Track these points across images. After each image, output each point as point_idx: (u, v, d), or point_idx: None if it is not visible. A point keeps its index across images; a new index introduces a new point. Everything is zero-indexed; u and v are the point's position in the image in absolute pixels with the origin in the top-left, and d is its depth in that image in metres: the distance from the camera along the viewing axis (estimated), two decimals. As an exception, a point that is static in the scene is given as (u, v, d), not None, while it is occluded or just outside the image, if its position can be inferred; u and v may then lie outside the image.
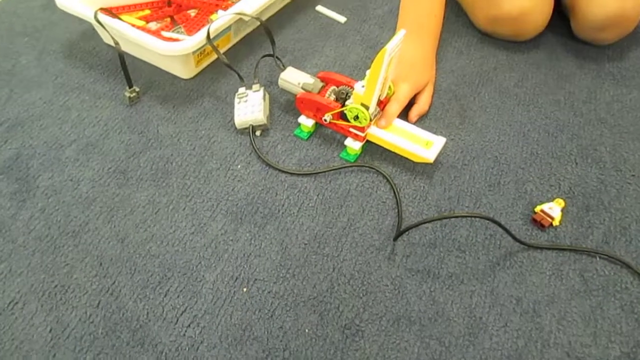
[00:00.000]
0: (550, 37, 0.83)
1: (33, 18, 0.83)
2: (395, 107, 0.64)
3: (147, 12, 0.81)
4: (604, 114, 0.73)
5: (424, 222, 0.53)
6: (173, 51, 0.64)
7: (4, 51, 0.77)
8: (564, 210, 0.61)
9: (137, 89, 0.70)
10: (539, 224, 0.59)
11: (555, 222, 0.59)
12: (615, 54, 0.82)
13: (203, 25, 0.79)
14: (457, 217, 0.58)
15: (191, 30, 0.78)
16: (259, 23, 0.72)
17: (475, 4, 0.81)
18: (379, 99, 0.63)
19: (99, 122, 0.67)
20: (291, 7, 0.86)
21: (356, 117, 0.61)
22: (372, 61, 0.60)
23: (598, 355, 0.50)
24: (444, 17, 0.75)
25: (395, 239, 0.56)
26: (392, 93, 0.65)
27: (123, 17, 0.77)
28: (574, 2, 0.80)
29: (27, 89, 0.72)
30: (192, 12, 0.82)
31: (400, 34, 0.56)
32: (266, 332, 0.50)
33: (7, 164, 0.63)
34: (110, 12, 0.72)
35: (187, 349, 0.49)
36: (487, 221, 0.58)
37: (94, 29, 0.79)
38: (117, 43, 0.67)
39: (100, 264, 0.54)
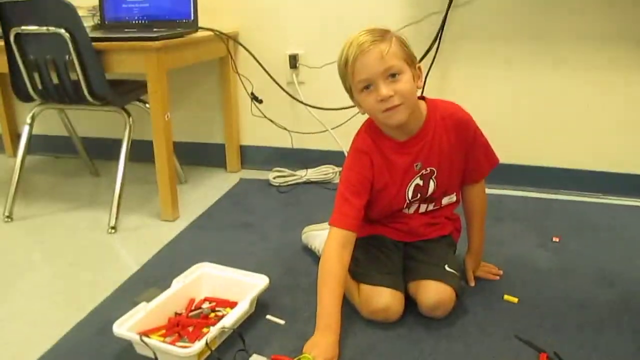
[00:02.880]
0: (410, 317, 1.37)
1: (90, 341, 1.33)
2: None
3: (164, 331, 1.33)
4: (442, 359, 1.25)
5: None
6: (190, 352, 1.15)
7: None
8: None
9: (164, 380, 1.17)
10: None
11: None
12: (447, 322, 1.36)
13: (198, 336, 1.30)
14: None
15: (192, 339, 1.29)
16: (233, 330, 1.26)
17: (359, 304, 1.38)
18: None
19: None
20: (251, 317, 1.40)
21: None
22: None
23: None
24: (343, 313, 1.29)
25: None
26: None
27: (151, 335, 1.28)
28: (415, 296, 1.38)
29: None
30: (190, 328, 1.35)
31: None
32: None
33: None
34: (145, 333, 1.24)
35: None
36: None
37: (130, 344, 1.28)
38: (155, 354, 1.17)
39: None
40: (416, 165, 1.37)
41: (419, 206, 1.45)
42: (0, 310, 1.50)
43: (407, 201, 1.41)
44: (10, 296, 1.58)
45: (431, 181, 1.40)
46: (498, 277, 1.58)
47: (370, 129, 1.38)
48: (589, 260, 1.68)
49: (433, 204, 1.46)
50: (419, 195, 1.41)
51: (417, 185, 1.39)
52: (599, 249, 1.75)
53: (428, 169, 1.38)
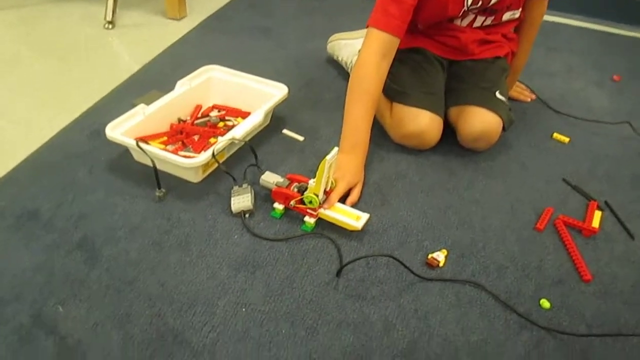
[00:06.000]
0: (444, 145, 1.20)
1: (82, 145, 1.17)
2: (334, 197, 0.99)
3: (165, 138, 1.16)
4: (479, 196, 1.09)
5: (358, 259, 0.88)
6: (195, 163, 0.99)
7: (65, 169, 1.10)
8: (447, 257, 0.94)
9: (164, 190, 1.03)
10: (430, 265, 0.92)
11: (441, 264, 0.93)
12: (487, 156, 1.20)
13: (204, 146, 1.14)
14: (374, 256, 0.92)
15: (197, 149, 1.13)
16: (244, 143, 1.08)
17: (390, 125, 1.20)
18: (325, 190, 0.97)
19: (138, 213, 1.00)
20: (265, 130, 1.23)
21: (310, 202, 0.95)
22: (318, 166, 0.95)
23: (463, 340, 0.82)
24: (371, 134, 1.12)
25: (337, 275, 0.89)
26: (334, 186, 1.00)
27: (151, 142, 1.11)
28: (455, 123, 1.19)
29: (85, 194, 1.04)
30: (196, 137, 1.18)
31: (334, 151, 0.93)
32: (258, 334, 0.80)
33: (79, 242, 0.94)
34: (143, 140, 1.07)
35: (209, 345, 0.78)
36: (396, 262, 0.91)
37: (127, 150, 1.12)
38: (153, 162, 1.01)
39: (150, 299, 0.84)
40: (484, -38, 1.08)
41: (475, 18, 1.19)
42: (-17, 102, 1.33)
43: (465, 8, 1.14)
44: (-5, 87, 1.40)
45: (498, -14, 1.12)
46: (530, 100, 1.45)
47: None
48: (653, 103, 1.47)
49: (492, 17, 1.19)
50: (480, 2, 1.14)
51: (480, -11, 1.12)
52: (666, 93, 1.53)
53: (497, -31, 1.09)
